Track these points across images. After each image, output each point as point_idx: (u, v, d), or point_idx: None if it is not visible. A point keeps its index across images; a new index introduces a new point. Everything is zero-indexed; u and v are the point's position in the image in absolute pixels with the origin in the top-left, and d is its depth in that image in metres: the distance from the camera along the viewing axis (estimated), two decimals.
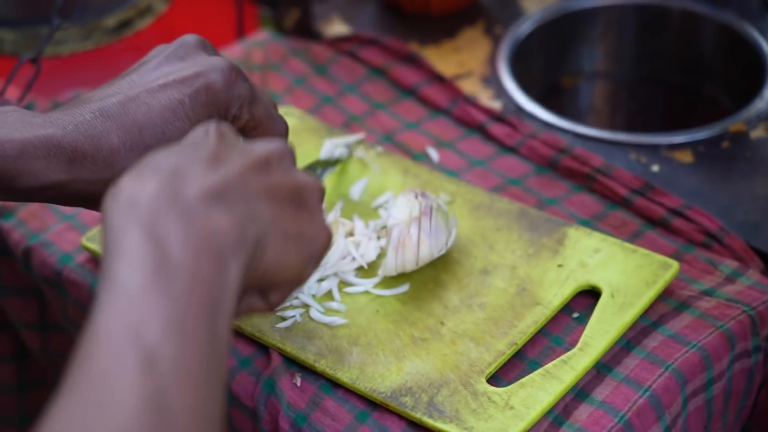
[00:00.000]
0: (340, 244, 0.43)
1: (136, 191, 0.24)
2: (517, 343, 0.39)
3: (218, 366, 0.23)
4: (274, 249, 0.27)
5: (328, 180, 0.49)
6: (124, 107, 0.33)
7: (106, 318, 0.21)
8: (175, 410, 0.20)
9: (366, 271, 0.44)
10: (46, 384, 0.57)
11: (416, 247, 0.41)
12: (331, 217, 0.44)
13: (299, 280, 0.30)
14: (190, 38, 0.37)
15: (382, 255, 0.44)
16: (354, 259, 0.44)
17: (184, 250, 0.23)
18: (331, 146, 0.50)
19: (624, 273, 0.42)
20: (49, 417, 0.19)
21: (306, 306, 0.42)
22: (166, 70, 0.35)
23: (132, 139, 0.33)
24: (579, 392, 0.38)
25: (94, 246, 0.46)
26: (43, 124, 0.33)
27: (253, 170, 0.27)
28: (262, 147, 0.29)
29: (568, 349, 0.39)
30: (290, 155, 0.31)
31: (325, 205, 0.48)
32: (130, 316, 0.21)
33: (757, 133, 0.55)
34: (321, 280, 0.43)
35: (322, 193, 0.32)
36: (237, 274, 0.24)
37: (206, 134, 0.28)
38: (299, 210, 0.29)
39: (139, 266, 0.22)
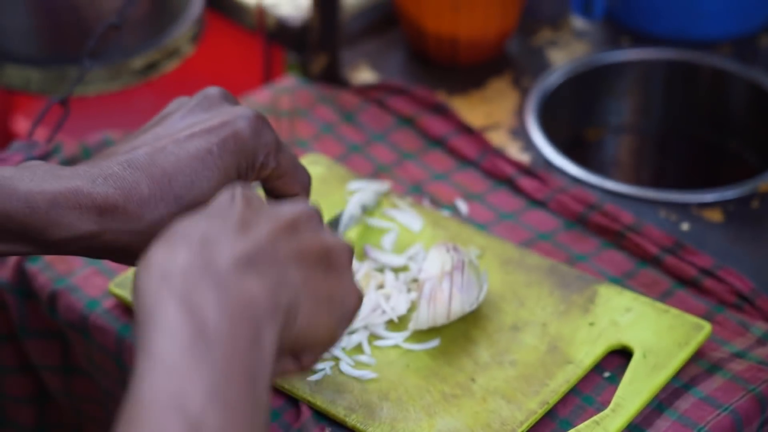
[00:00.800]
0: (371, 297, 0.44)
1: (167, 261, 0.24)
2: (549, 402, 0.39)
3: (262, 430, 0.23)
4: (305, 313, 0.28)
5: (357, 231, 0.50)
6: (152, 158, 0.34)
7: (148, 389, 0.21)
8: None
9: (396, 324, 0.44)
10: (65, 427, 0.57)
11: (448, 302, 0.42)
12: (363, 269, 0.45)
13: (331, 342, 0.31)
14: (213, 90, 0.37)
15: (412, 309, 0.44)
16: (384, 312, 0.44)
17: (220, 319, 0.23)
18: (359, 195, 0.50)
19: (656, 333, 0.42)
20: None
21: (336, 359, 0.42)
22: (191, 121, 0.35)
23: (162, 189, 0.33)
24: None
25: (122, 292, 0.46)
26: (72, 177, 0.33)
27: (282, 234, 0.28)
28: (290, 210, 0.29)
29: (599, 409, 0.39)
30: (317, 216, 0.31)
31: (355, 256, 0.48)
32: (172, 386, 0.21)
33: None
34: (351, 332, 0.43)
35: (351, 253, 0.32)
36: (273, 339, 0.25)
37: (232, 199, 0.28)
38: (329, 272, 0.29)
39: (177, 336, 0.22)
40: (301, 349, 0.29)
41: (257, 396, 0.23)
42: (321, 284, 0.29)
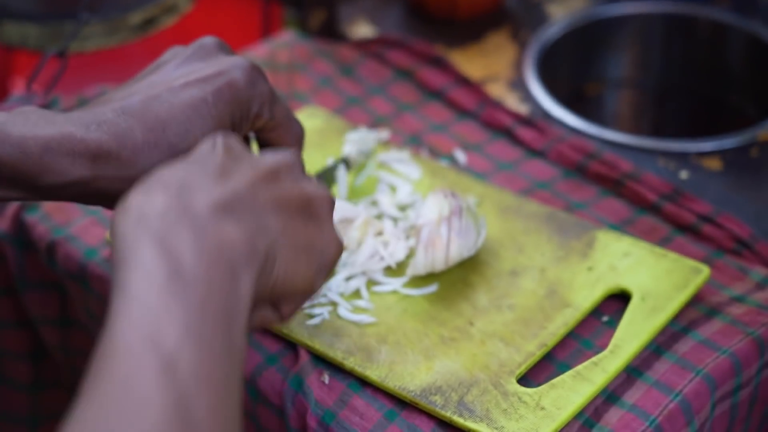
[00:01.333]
0: (369, 244, 0.44)
1: (145, 205, 0.24)
2: (547, 345, 0.39)
3: (236, 373, 0.23)
4: (284, 261, 0.28)
5: (353, 178, 0.49)
6: (146, 105, 0.33)
7: (124, 327, 0.21)
8: (198, 415, 0.20)
9: (394, 270, 0.44)
10: (60, 384, 0.57)
11: (446, 247, 0.41)
12: (361, 217, 0.44)
13: (310, 291, 0.31)
14: (208, 40, 0.37)
15: (410, 255, 0.44)
16: (382, 258, 0.44)
17: (196, 261, 0.23)
18: (355, 141, 0.50)
19: (654, 277, 0.42)
20: (71, 424, 0.19)
21: (334, 304, 0.42)
22: (186, 70, 0.35)
23: (155, 137, 0.33)
24: (609, 395, 0.38)
25: None
26: (66, 122, 0.32)
27: (262, 182, 0.28)
28: (270, 159, 0.29)
29: (597, 352, 0.39)
30: (299, 165, 0.31)
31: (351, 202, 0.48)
32: (148, 325, 0.21)
33: None
34: (349, 278, 0.43)
35: (331, 203, 0.32)
36: (249, 285, 0.25)
37: (213, 147, 0.28)
38: (309, 221, 0.30)
39: (153, 277, 0.22)
40: (280, 298, 0.29)
41: (232, 337, 0.23)
42: (300, 233, 0.29)
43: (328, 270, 0.31)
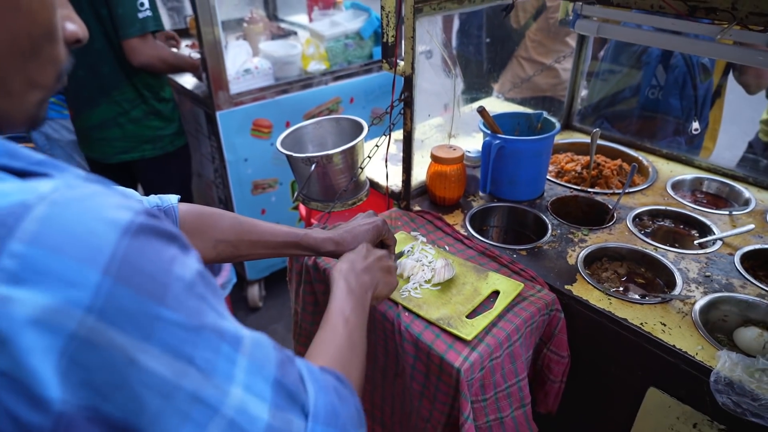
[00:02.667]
0: (419, 273, 1.37)
1: (340, 265, 1.02)
2: (473, 306, 1.32)
3: (365, 322, 0.94)
4: (379, 287, 1.11)
5: (412, 252, 1.44)
6: (351, 230, 1.21)
7: (332, 307, 0.91)
8: (355, 337, 0.87)
9: (428, 281, 1.37)
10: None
11: (443, 273, 1.35)
12: (416, 265, 1.38)
13: (387, 297, 1.15)
14: (371, 212, 1.30)
15: (433, 276, 1.37)
16: (425, 276, 1.37)
17: (356, 286, 0.98)
18: (410, 243, 1.44)
19: (507, 286, 1.37)
20: (314, 342, 0.93)
21: (409, 290, 1.34)
22: (364, 221, 1.24)
23: (353, 239, 1.19)
24: (492, 324, 1.31)
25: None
26: (328, 233, 1.19)
27: (377, 261, 1.07)
28: (380, 252, 1.10)
29: (488, 309, 1.32)
30: (389, 255, 1.18)
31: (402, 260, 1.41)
32: (340, 306, 0.91)
33: None
34: (414, 284, 1.36)
35: (396, 269, 1.20)
36: (370, 295, 1.02)
37: (364, 248, 1.09)
38: (388, 274, 1.14)
39: (341, 290, 0.96)
40: (377, 298, 1.11)
41: (365, 312, 0.95)
42: (385, 278, 1.12)
43: (392, 291, 1.14)
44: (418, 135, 1.87)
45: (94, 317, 0.43)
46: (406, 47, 1.45)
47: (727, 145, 2.90)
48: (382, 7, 1.44)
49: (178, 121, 2.67)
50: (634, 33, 1.57)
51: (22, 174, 0.48)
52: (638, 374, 1.29)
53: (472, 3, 1.54)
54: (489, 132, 1.65)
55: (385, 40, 1.48)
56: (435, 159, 1.65)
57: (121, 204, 0.48)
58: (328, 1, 3.34)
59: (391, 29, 1.46)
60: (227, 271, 2.75)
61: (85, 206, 0.46)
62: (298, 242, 1.14)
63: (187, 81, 2.91)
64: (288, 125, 2.90)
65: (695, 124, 2.16)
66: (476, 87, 3.47)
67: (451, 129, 1.73)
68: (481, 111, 1.61)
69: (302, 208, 2.65)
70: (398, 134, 2.05)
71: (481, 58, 3.35)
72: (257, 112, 2.77)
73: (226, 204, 2.95)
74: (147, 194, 1.02)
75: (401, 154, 1.64)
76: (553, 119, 1.73)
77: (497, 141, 1.61)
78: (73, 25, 0.59)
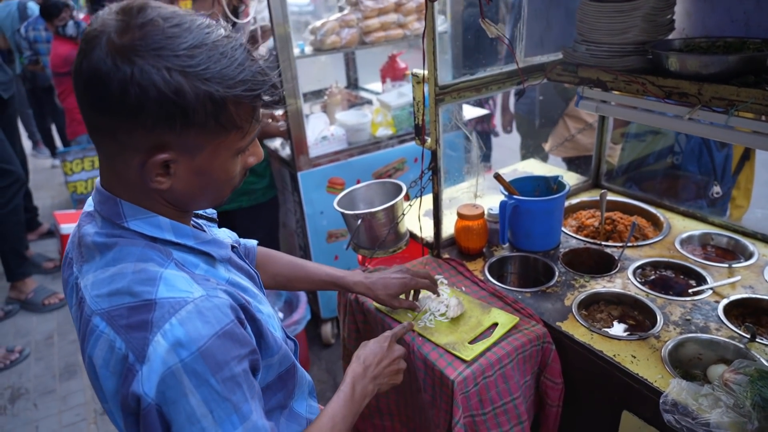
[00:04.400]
0: (433, 306, 1.72)
1: (355, 369, 1.27)
2: (477, 332, 1.64)
3: (353, 421, 1.20)
4: (383, 387, 1.33)
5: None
6: (384, 279, 1.59)
7: (330, 408, 1.17)
8: (353, 412, 1.20)
9: (443, 314, 1.71)
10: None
11: (456, 309, 1.69)
12: (434, 302, 1.73)
13: (392, 387, 1.47)
14: (404, 267, 1.66)
15: (446, 311, 1.71)
16: (440, 311, 1.71)
17: (359, 396, 1.22)
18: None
19: (505, 319, 1.68)
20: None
21: (424, 321, 1.69)
22: (396, 275, 1.60)
23: (385, 287, 1.58)
24: (492, 346, 1.62)
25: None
26: (363, 278, 1.58)
27: (389, 365, 1.32)
28: (398, 353, 1.36)
29: (488, 336, 1.63)
30: (402, 355, 1.39)
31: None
32: (336, 410, 1.16)
33: None
34: (430, 317, 1.70)
35: (405, 364, 1.46)
36: (368, 401, 1.25)
37: (386, 344, 1.35)
38: (395, 375, 1.34)
39: (345, 395, 1.20)
40: (383, 387, 1.38)
41: (356, 415, 1.20)
42: (391, 380, 1.32)
43: (394, 386, 1.44)
44: (450, 195, 2.24)
45: (181, 366, 0.85)
46: (431, 128, 1.84)
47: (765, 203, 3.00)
48: (414, 98, 1.85)
49: (269, 176, 3.23)
50: (628, 112, 1.87)
51: (194, 250, 1.01)
52: (615, 399, 1.54)
53: (488, 91, 1.91)
54: (506, 193, 1.99)
55: (416, 122, 1.88)
56: (460, 216, 2.01)
57: (223, 317, 0.90)
58: (398, 74, 3.83)
59: (420, 114, 1.86)
60: (302, 309, 3.19)
61: (207, 315, 0.88)
62: (336, 282, 1.54)
63: (277, 147, 3.46)
64: (359, 182, 3.35)
65: (716, 188, 2.36)
66: (530, 144, 3.79)
67: (476, 190, 2.08)
68: (497, 177, 1.95)
69: (359, 255, 3.08)
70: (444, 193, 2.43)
71: (533, 117, 3.68)
72: (332, 171, 3.25)
73: (305, 250, 3.42)
74: (241, 236, 1.46)
75: None
76: (566, 182, 2.03)
77: (512, 201, 1.94)
78: (254, 158, 1.03)
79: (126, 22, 0.85)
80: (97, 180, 1.01)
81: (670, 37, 1.82)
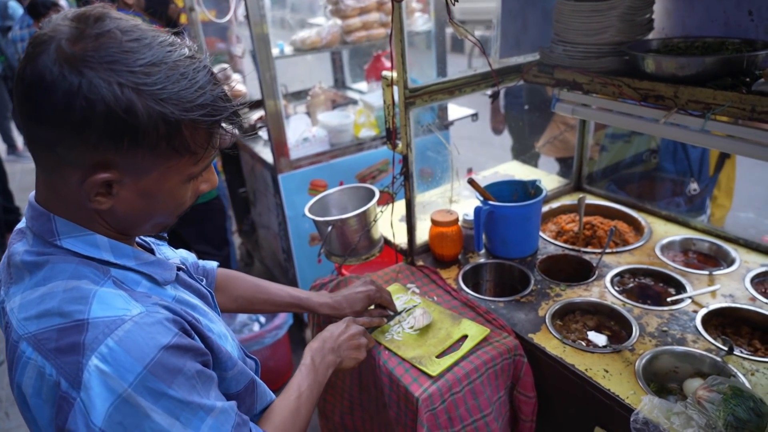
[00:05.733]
0: (406, 321, 1.66)
1: (312, 345, 1.29)
2: (445, 345, 1.58)
3: (320, 393, 1.21)
4: (345, 362, 1.34)
5: (406, 303, 1.72)
6: (348, 297, 1.53)
7: (294, 380, 1.19)
8: (303, 408, 1.14)
9: (411, 327, 1.65)
10: None
11: (422, 319, 1.63)
12: (404, 312, 1.67)
13: (353, 367, 1.38)
14: (367, 278, 1.62)
15: (414, 323, 1.65)
16: (410, 323, 1.65)
17: (320, 365, 1.25)
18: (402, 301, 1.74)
19: (475, 331, 1.62)
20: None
21: (392, 333, 1.63)
22: (359, 289, 1.55)
23: (349, 304, 1.52)
24: (461, 358, 1.56)
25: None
26: (327, 299, 1.52)
27: (349, 339, 1.34)
28: (356, 329, 1.37)
29: (456, 350, 1.58)
30: (364, 333, 1.43)
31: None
32: (300, 381, 1.19)
33: None
34: (398, 329, 1.65)
35: (370, 345, 1.45)
36: (331, 371, 1.27)
37: (344, 323, 1.38)
38: (356, 350, 1.36)
39: (307, 367, 1.22)
40: (342, 370, 1.34)
41: (321, 386, 1.22)
42: (351, 354, 1.33)
43: (358, 363, 1.37)
44: (425, 200, 2.18)
45: (132, 390, 0.79)
46: (402, 132, 1.78)
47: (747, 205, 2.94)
48: (384, 101, 1.79)
49: None
50: (605, 115, 1.80)
51: (134, 270, 0.94)
52: (587, 414, 1.49)
53: (461, 93, 1.85)
54: (481, 199, 1.92)
55: (387, 126, 1.82)
56: (434, 222, 1.95)
57: (167, 331, 0.84)
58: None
59: (391, 117, 1.79)
60: (284, 314, 3.13)
61: (148, 330, 0.82)
62: (300, 305, 1.50)
63: (260, 149, 3.40)
64: (341, 184, 3.29)
65: (693, 185, 2.30)
66: (520, 145, 3.73)
67: (451, 195, 2.02)
68: (471, 182, 1.89)
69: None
70: (420, 197, 2.36)
71: (523, 122, 3.62)
72: (314, 173, 3.19)
73: (288, 253, 3.36)
74: (188, 239, 1.40)
75: None
76: (543, 187, 1.97)
77: (486, 207, 1.88)
78: (207, 185, 0.97)
79: (80, 30, 0.80)
80: (31, 194, 0.94)
81: (650, 37, 1.76)
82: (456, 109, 3.72)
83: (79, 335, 0.81)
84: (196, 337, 0.92)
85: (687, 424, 1.25)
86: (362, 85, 4.24)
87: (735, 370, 1.41)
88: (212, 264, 1.44)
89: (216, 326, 1.04)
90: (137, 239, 1.07)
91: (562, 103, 1.87)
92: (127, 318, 0.82)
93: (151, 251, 1.10)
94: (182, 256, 1.31)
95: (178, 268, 1.06)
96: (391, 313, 1.65)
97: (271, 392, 1.17)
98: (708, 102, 1.45)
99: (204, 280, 1.19)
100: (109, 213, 0.89)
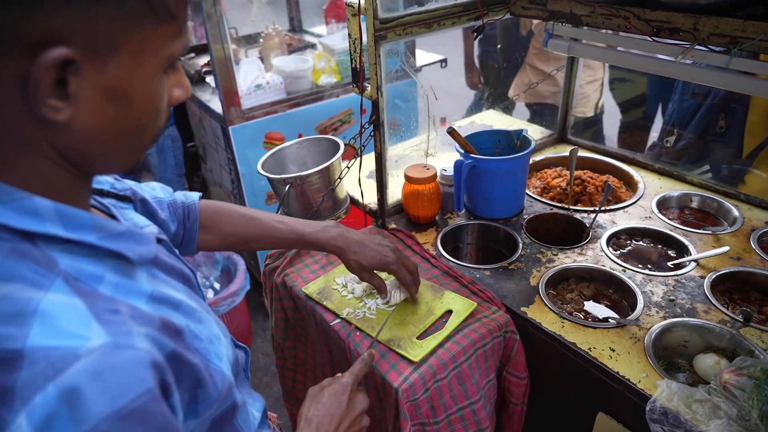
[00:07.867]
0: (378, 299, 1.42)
1: (306, 410, 0.98)
2: (426, 323, 1.36)
3: None
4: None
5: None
6: (363, 245, 1.24)
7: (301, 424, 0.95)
8: None
9: (386, 303, 1.41)
10: None
11: (399, 296, 1.40)
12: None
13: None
14: (376, 229, 1.36)
15: (390, 298, 1.41)
16: (384, 299, 1.41)
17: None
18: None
19: (460, 305, 1.40)
20: None
21: (365, 311, 1.39)
22: (380, 247, 1.25)
23: (361, 247, 1.24)
24: (444, 340, 1.34)
25: (308, 292, 1.45)
26: (336, 238, 1.23)
27: (351, 426, 0.98)
28: (361, 406, 1.01)
29: (439, 330, 1.35)
30: (366, 409, 1.04)
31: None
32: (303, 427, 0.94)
33: None
34: (370, 303, 1.41)
35: (366, 407, 1.08)
36: None
37: (345, 392, 1.01)
38: (361, 418, 1.03)
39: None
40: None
41: None
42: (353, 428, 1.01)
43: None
44: (397, 153, 1.92)
45: None
46: (371, 72, 1.50)
47: None
48: (349, 35, 1.49)
49: None
50: (604, 53, 1.56)
51: (96, 250, 0.64)
52: (588, 399, 1.30)
53: (440, 27, 1.57)
54: (461, 151, 1.68)
55: (353, 65, 1.53)
56: (408, 179, 1.69)
57: (138, 384, 0.55)
58: (343, 14, 3.42)
59: (357, 55, 1.51)
60: (241, 279, 2.87)
61: (111, 379, 0.53)
62: (304, 240, 1.23)
63: (208, 98, 3.04)
64: (300, 136, 2.99)
65: (671, 138, 2.10)
66: (496, 93, 3.49)
67: (427, 148, 1.77)
68: (451, 132, 1.64)
69: None
70: (391, 150, 2.10)
71: (498, 65, 3.36)
72: (269, 125, 2.87)
73: None
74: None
75: None
76: (531, 137, 1.74)
77: (468, 161, 1.64)
78: (180, 91, 0.69)
79: None
80: None
81: None
82: (424, 55, 3.42)
83: (9, 374, 0.51)
84: (176, 394, 0.62)
85: (713, 414, 1.07)
86: (321, 29, 3.88)
87: (753, 344, 1.24)
88: (193, 197, 1.17)
89: (204, 328, 0.74)
90: (92, 200, 0.76)
91: (556, 39, 1.62)
92: (82, 352, 0.53)
93: (113, 218, 0.80)
94: (155, 195, 1.05)
95: (158, 240, 0.80)
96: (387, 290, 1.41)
97: (259, 402, 0.93)
98: (735, 35, 1.22)
99: (184, 224, 1.04)
100: (66, 133, 0.59)
